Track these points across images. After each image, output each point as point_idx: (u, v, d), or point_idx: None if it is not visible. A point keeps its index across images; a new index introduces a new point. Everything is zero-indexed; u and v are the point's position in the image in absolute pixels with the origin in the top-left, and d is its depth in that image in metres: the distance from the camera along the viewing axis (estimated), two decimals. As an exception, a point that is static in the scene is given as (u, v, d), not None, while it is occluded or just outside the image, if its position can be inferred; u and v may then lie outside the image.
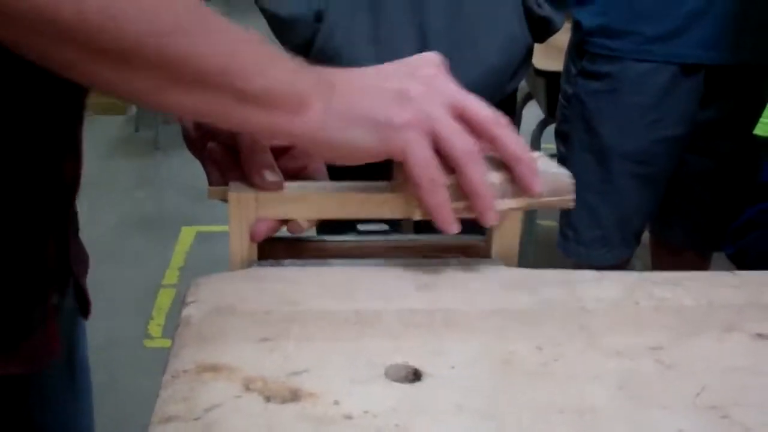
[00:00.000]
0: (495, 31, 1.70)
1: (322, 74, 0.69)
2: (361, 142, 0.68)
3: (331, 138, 0.68)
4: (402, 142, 0.68)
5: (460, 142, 0.68)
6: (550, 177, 0.72)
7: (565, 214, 1.99)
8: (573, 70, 1.91)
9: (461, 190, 0.69)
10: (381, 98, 0.68)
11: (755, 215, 1.09)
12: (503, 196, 0.71)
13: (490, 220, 0.71)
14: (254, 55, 0.66)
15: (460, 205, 0.70)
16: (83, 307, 0.97)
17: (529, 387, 0.58)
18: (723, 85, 1.81)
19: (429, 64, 0.72)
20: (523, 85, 2.44)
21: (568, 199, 0.74)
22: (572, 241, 1.97)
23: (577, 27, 1.89)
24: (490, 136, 0.70)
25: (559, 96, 1.99)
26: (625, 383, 0.59)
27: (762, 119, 1.66)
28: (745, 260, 1.08)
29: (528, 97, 2.91)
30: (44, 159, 0.79)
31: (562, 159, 1.97)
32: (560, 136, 1.99)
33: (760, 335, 0.65)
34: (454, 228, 0.70)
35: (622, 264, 2.00)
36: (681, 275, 0.75)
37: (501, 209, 0.71)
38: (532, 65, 2.09)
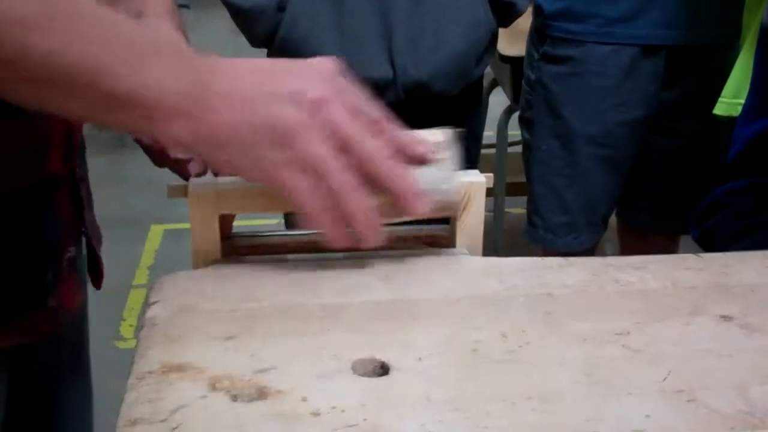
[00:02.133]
0: (459, 15, 1.69)
1: (203, 78, 0.65)
2: (239, 169, 0.67)
3: (206, 153, 0.66)
4: (277, 179, 0.66)
5: (335, 178, 0.65)
6: (437, 194, 0.71)
7: (532, 202, 1.99)
8: (535, 56, 1.91)
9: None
10: (257, 131, 0.65)
11: (719, 196, 1.10)
12: (388, 216, 0.70)
13: (371, 243, 0.68)
14: (126, 53, 0.63)
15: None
16: (95, 276, 0.97)
17: (496, 375, 0.58)
18: (684, 66, 1.82)
19: (322, 81, 0.68)
20: (488, 72, 2.44)
21: (455, 214, 0.74)
22: (540, 229, 1.97)
23: (538, 11, 1.89)
24: (372, 171, 0.67)
25: (522, 82, 1.99)
26: (591, 369, 0.59)
27: (721, 99, 1.67)
28: (711, 242, 1.09)
29: (493, 84, 2.91)
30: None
31: (527, 145, 1.97)
32: (524, 123, 1.98)
33: (724, 317, 0.66)
34: (372, 240, 0.68)
35: (590, 250, 2.00)
36: (645, 259, 0.75)
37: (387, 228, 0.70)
38: (497, 51, 2.09)
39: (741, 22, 1.81)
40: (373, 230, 0.68)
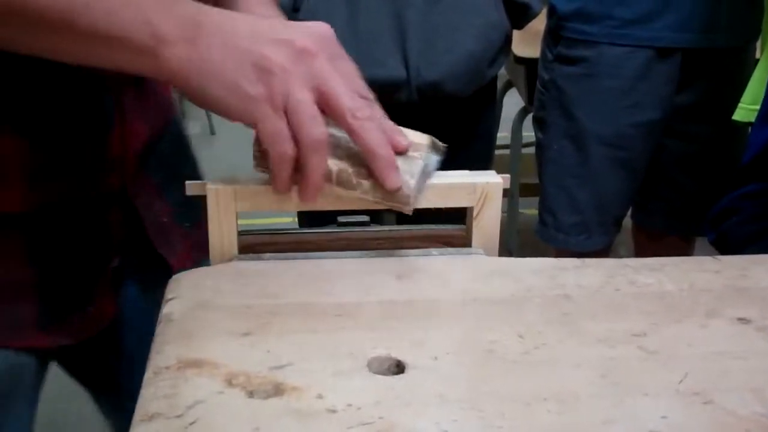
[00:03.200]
0: (473, 17, 1.69)
1: (192, 15, 0.68)
2: (220, 102, 0.68)
3: (193, 89, 0.68)
4: (253, 114, 0.67)
5: (307, 129, 0.67)
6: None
7: (544, 201, 1.99)
8: (549, 56, 1.91)
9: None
10: (241, 64, 0.67)
11: (735, 200, 1.10)
12: (338, 184, 0.71)
13: (307, 199, 0.70)
14: None
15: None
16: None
17: (511, 376, 0.58)
18: (699, 69, 1.81)
19: (313, 36, 0.70)
20: (503, 73, 2.44)
21: (405, 208, 0.72)
22: (551, 228, 1.98)
23: (552, 12, 1.89)
24: (347, 128, 0.69)
25: (537, 83, 1.99)
26: (607, 371, 0.59)
27: (740, 104, 1.67)
28: (726, 245, 1.08)
29: (508, 85, 2.91)
30: (88, 126, 0.83)
31: (539, 145, 1.98)
32: (538, 123, 1.99)
33: (741, 319, 0.65)
34: (309, 199, 0.70)
35: (602, 251, 2.00)
36: (662, 261, 0.75)
37: (329, 192, 0.71)
38: (511, 52, 2.09)
39: (756, 26, 1.81)
40: (315, 192, 0.70)
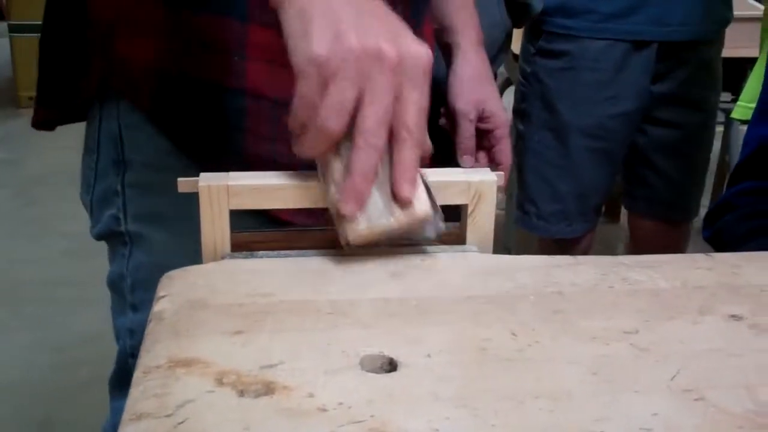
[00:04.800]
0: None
1: None
2: (296, 45, 0.68)
3: (285, 20, 0.69)
4: (324, 71, 0.67)
5: (373, 118, 0.67)
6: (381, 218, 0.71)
7: (525, 191, 2.04)
8: (531, 50, 1.97)
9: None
10: (359, 24, 0.68)
11: (731, 197, 1.10)
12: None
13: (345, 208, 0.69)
14: None
15: None
16: None
17: (504, 374, 0.58)
18: (673, 59, 1.89)
19: (419, 57, 0.70)
20: (501, 71, 2.44)
21: (343, 239, 0.71)
22: (533, 216, 2.03)
23: None
24: (392, 149, 0.69)
25: (518, 75, 2.03)
26: (600, 368, 0.59)
27: (739, 102, 1.70)
28: (722, 242, 1.09)
29: (507, 83, 2.91)
30: None
31: (520, 136, 2.03)
32: (519, 115, 2.04)
33: (733, 316, 0.65)
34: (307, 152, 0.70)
35: (584, 237, 2.06)
36: (655, 258, 0.75)
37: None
38: (510, 51, 2.10)
39: (727, 17, 1.91)
40: (354, 194, 0.69)
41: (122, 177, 0.98)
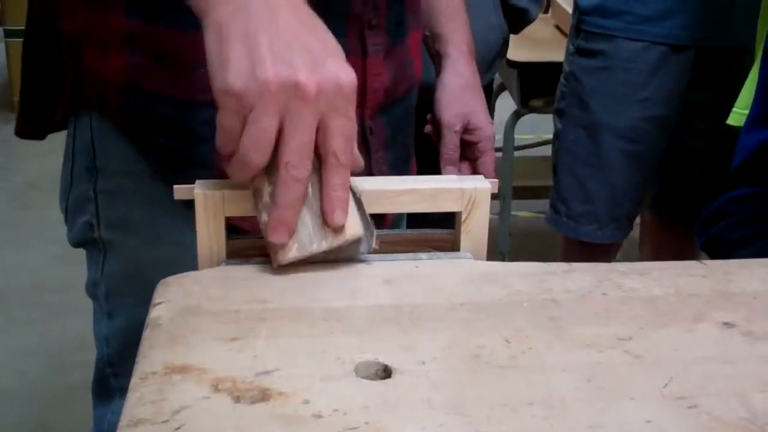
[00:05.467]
0: (471, 19, 1.70)
1: None
2: (231, 58, 0.67)
3: (205, 34, 0.68)
4: (241, 105, 0.66)
5: (295, 150, 0.67)
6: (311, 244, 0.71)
7: (557, 189, 2.04)
8: (571, 49, 1.98)
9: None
10: (278, 50, 0.66)
11: (725, 204, 1.10)
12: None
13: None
14: None
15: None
16: None
17: (498, 381, 0.58)
18: (712, 67, 1.87)
19: (341, 81, 0.68)
20: (495, 77, 2.44)
21: (347, 246, 0.72)
22: (563, 216, 2.02)
23: (575, 6, 1.96)
24: (322, 172, 0.69)
25: (561, 76, 2.04)
26: (593, 375, 0.59)
27: (735, 109, 1.69)
28: (716, 249, 1.09)
29: (501, 88, 2.92)
30: None
31: (557, 135, 2.04)
32: (557, 113, 2.04)
33: (727, 324, 0.66)
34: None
35: (611, 246, 2.05)
36: (649, 265, 0.75)
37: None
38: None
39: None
40: (281, 224, 0.69)
41: (94, 183, 0.98)
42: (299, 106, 0.66)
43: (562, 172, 2.02)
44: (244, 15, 0.68)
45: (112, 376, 1.05)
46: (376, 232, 0.73)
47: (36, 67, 1.01)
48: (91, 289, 1.05)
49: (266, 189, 0.69)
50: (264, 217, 0.70)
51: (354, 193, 0.72)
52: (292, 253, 0.70)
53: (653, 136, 1.93)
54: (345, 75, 0.68)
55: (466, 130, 1.19)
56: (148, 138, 0.94)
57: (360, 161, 0.73)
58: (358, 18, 0.96)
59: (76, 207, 1.02)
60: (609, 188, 1.97)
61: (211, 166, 0.90)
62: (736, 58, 1.86)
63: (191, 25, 0.73)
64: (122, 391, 1.04)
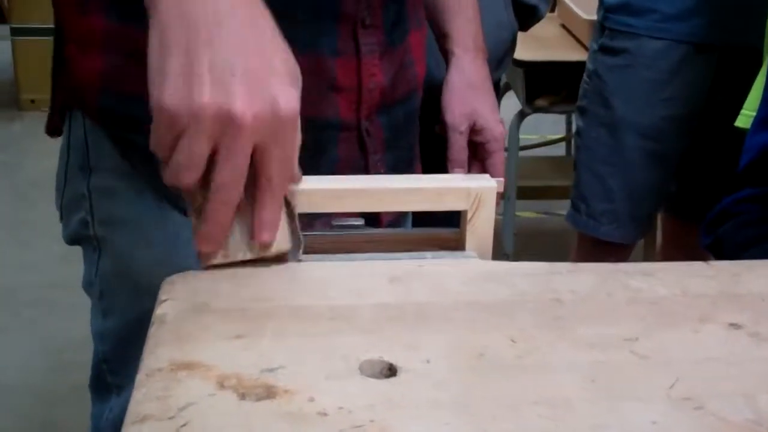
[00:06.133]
0: (483, 17, 1.70)
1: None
2: (167, 75, 0.65)
3: (149, 34, 0.67)
4: (174, 125, 0.65)
5: (227, 174, 0.66)
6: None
7: (578, 187, 2.03)
8: (594, 47, 1.97)
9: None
10: (218, 70, 0.65)
11: (731, 205, 1.10)
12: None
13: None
14: None
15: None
16: None
17: (503, 380, 0.58)
18: (735, 68, 1.86)
19: (278, 114, 0.66)
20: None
21: (279, 255, 0.72)
22: (583, 214, 2.01)
23: (600, 4, 1.95)
24: (254, 190, 0.68)
25: (584, 74, 2.04)
26: (599, 375, 0.59)
27: (743, 111, 1.68)
28: (721, 250, 1.09)
29: (506, 87, 2.91)
30: None
31: (578, 133, 2.04)
32: (579, 111, 2.04)
33: (733, 325, 0.66)
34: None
35: (626, 250, 2.04)
36: (655, 266, 0.75)
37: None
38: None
39: None
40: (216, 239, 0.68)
41: (88, 181, 0.98)
42: (234, 134, 0.65)
43: (582, 170, 2.01)
44: (187, 24, 0.66)
45: (109, 373, 1.05)
46: (304, 241, 0.73)
47: (54, 63, 1.01)
48: (87, 286, 1.05)
49: (199, 196, 0.69)
50: (194, 221, 0.69)
51: (288, 205, 0.72)
52: (218, 259, 0.70)
53: (675, 135, 1.92)
54: (285, 101, 0.66)
55: (473, 130, 1.18)
56: (131, 138, 0.93)
57: (298, 175, 0.72)
58: (351, 17, 0.95)
59: (70, 204, 1.02)
60: (630, 187, 1.96)
61: None
62: (759, 59, 1.86)
63: None
64: (119, 388, 1.03)
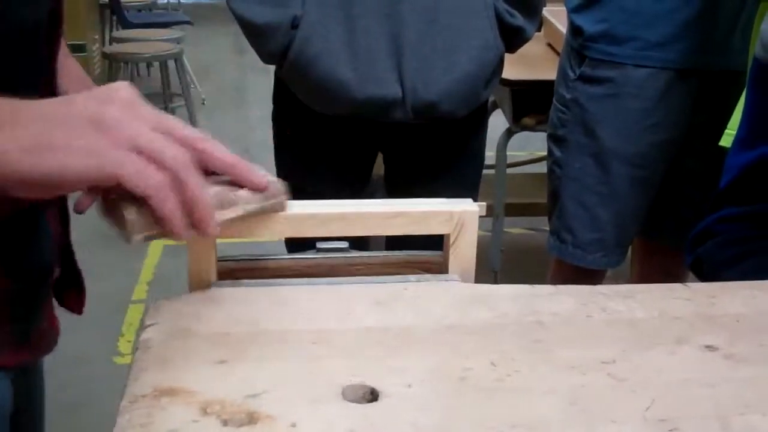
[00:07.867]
0: (470, 38, 1.71)
1: (11, 107, 0.67)
2: (65, 169, 0.65)
3: (22, 171, 0.65)
4: (106, 166, 0.64)
5: (170, 152, 0.66)
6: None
7: (563, 218, 2.02)
8: (572, 75, 1.95)
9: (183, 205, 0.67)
10: (74, 126, 0.65)
11: (712, 224, 1.11)
12: (220, 207, 0.70)
13: (210, 230, 0.68)
14: None
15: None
16: (78, 294, 0.98)
17: (483, 403, 0.59)
18: (714, 91, 1.87)
19: (121, 91, 0.68)
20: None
21: (282, 201, 0.73)
22: (569, 245, 2.00)
23: (577, 32, 1.93)
24: (199, 150, 0.68)
25: (554, 101, 2.02)
26: (577, 397, 0.60)
27: (726, 131, 1.70)
28: (702, 269, 1.10)
29: (493, 106, 2.93)
30: None
31: (557, 163, 2.01)
32: (556, 140, 2.02)
33: (709, 347, 0.67)
34: (211, 229, 0.68)
35: (603, 272, 2.04)
36: (634, 288, 0.76)
37: (220, 220, 0.70)
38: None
39: None
40: (209, 215, 0.67)
41: None
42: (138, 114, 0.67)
43: (567, 201, 2.00)
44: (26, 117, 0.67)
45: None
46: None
47: None
48: None
49: (227, 189, 0.70)
50: (250, 200, 0.71)
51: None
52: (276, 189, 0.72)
53: (660, 160, 1.93)
54: (114, 88, 0.68)
55: None
56: None
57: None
58: None
59: None
60: (618, 215, 1.97)
61: None
62: (737, 81, 1.87)
63: None
64: None
